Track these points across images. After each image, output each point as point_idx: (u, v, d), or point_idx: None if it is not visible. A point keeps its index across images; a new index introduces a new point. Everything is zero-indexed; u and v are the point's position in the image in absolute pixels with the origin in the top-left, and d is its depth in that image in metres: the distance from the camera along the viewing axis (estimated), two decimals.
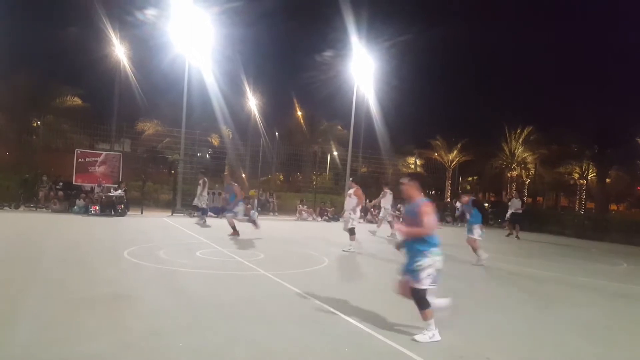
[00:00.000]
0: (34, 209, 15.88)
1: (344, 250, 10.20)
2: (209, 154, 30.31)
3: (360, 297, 5.93)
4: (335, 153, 31.80)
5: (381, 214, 15.03)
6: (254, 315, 4.85)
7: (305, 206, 20.79)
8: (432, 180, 34.20)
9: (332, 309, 5.18)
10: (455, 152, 32.92)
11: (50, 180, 17.01)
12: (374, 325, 4.66)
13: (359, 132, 25.49)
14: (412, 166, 31.75)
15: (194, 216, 16.37)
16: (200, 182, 15.55)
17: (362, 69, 23.57)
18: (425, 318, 4.28)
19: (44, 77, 23.06)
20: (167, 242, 9.99)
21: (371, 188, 20.90)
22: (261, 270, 7.32)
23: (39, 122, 24.26)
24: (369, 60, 23.59)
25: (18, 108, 22.06)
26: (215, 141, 28.04)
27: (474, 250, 9.44)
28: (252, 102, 27.37)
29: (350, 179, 12.31)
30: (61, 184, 16.93)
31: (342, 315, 4.97)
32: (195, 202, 15.68)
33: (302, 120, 31.62)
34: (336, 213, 21.01)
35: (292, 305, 5.40)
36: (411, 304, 4.42)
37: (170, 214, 17.68)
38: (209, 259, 8.18)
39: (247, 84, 26.67)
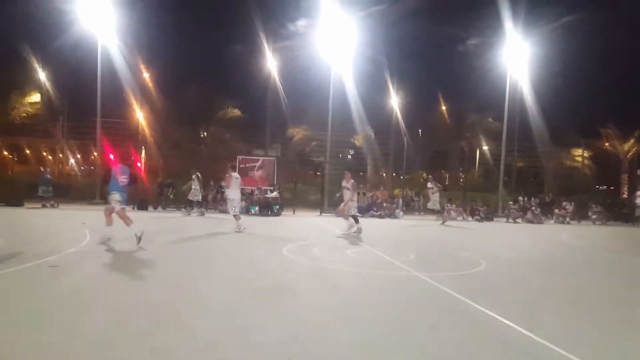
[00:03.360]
0: (205, 210, 18.14)
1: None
2: (351, 154, 31.07)
3: (528, 303, 5.32)
4: (485, 148, 29.71)
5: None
6: (412, 317, 4.69)
7: (454, 205, 19.80)
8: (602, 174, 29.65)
9: (496, 316, 4.72)
10: (632, 141, 27.98)
11: (216, 185, 19.27)
12: (547, 333, 4.09)
13: (513, 124, 23.34)
14: (579, 159, 27.91)
15: (218, 211, 17.16)
16: (194, 177, 16.26)
17: (516, 55, 21.55)
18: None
19: (209, 93, 26.31)
20: (319, 241, 10.41)
21: (529, 185, 18.99)
22: (413, 271, 7.10)
23: (205, 133, 27.83)
24: (523, 46, 21.46)
25: (189, 121, 25.58)
26: (358, 142, 28.58)
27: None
28: (395, 100, 27.15)
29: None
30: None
31: (509, 323, 4.48)
32: (190, 196, 16.44)
33: (446, 115, 30.26)
34: (489, 212, 19.58)
35: (451, 309, 5.08)
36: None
37: (319, 213, 18.52)
38: (360, 258, 8.25)
39: (390, 83, 26.51)
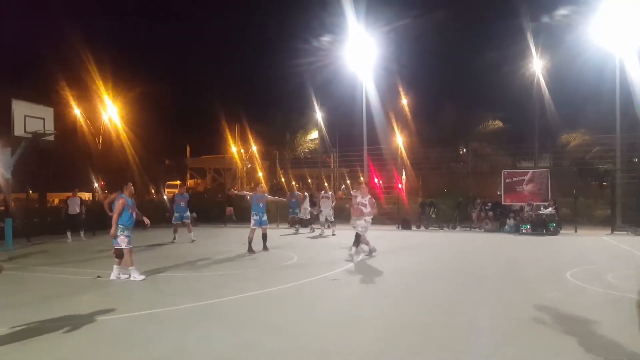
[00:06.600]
0: (468, 229, 17.40)
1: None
2: None
3: None
4: None
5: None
6: None
7: None
8: None
9: None
10: None
11: (480, 202, 18.26)
12: None
13: None
14: None
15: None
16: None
17: None
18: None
19: (465, 107, 25.57)
20: (613, 265, 8.48)
21: None
22: None
23: (464, 150, 27.06)
24: None
25: (446, 140, 25.39)
26: None
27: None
28: None
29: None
30: (490, 204, 17.83)
31: None
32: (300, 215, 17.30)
33: None
34: None
35: None
36: None
37: (609, 232, 15.32)
38: None
39: None
